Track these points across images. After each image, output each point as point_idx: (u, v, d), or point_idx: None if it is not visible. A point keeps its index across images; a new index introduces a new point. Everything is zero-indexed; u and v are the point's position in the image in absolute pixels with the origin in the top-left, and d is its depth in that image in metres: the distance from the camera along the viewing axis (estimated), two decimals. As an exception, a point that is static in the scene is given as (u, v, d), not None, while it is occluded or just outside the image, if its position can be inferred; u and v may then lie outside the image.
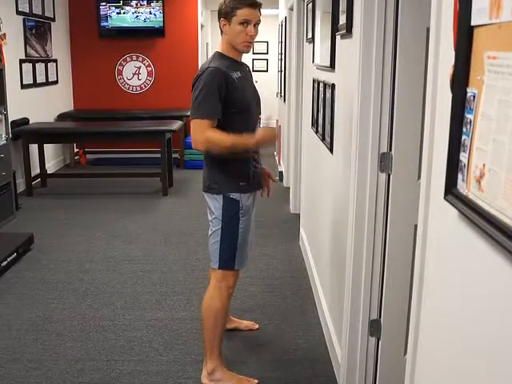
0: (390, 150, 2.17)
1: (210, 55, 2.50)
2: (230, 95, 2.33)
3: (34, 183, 6.18)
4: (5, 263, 3.83)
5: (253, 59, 11.28)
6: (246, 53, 2.50)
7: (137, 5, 7.76)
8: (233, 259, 2.46)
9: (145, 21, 7.80)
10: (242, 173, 2.45)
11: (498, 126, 0.95)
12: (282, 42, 7.31)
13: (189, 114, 2.41)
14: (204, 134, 2.30)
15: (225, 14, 2.39)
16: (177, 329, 3.09)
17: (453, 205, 1.14)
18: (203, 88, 2.30)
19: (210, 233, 2.51)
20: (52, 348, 2.88)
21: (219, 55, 2.44)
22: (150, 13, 7.78)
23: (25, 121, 6.19)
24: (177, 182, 6.54)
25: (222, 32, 2.45)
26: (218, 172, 2.43)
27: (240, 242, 2.45)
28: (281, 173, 6.68)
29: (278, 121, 7.68)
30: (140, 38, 7.93)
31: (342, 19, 2.47)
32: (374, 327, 2.34)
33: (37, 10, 6.70)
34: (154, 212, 5.40)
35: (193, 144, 2.35)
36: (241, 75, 2.43)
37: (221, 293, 2.49)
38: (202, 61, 8.22)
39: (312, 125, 3.69)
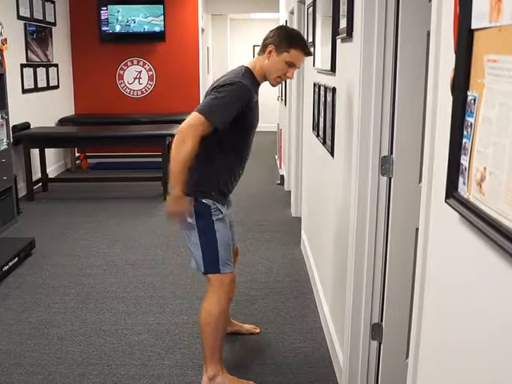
0: (391, 153, 2.17)
1: (239, 66, 2.46)
2: (243, 115, 2.33)
3: (35, 188, 6.19)
4: (6, 268, 3.82)
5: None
6: (272, 86, 2.55)
7: (137, 9, 7.78)
8: (217, 263, 2.43)
9: (146, 25, 7.82)
10: (218, 187, 2.44)
11: (498, 129, 0.95)
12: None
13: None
14: (193, 131, 2.21)
15: (278, 44, 2.38)
16: (178, 333, 3.09)
17: (454, 208, 1.14)
18: (228, 96, 2.26)
19: (185, 236, 2.48)
20: (53, 352, 2.88)
21: (249, 73, 2.41)
22: (151, 17, 7.79)
23: (26, 125, 6.20)
24: (178, 186, 6.53)
25: (261, 52, 2.44)
26: (197, 177, 2.39)
27: (220, 245, 2.42)
28: (282, 176, 6.68)
29: (278, 125, 7.69)
30: (141, 42, 7.95)
31: (343, 23, 2.47)
32: (376, 331, 2.34)
33: (38, 15, 6.72)
34: (155, 216, 5.40)
35: (183, 127, 2.23)
36: (256, 99, 2.45)
37: (220, 299, 2.46)
38: (202, 65, 8.27)
39: (313, 128, 3.69)
